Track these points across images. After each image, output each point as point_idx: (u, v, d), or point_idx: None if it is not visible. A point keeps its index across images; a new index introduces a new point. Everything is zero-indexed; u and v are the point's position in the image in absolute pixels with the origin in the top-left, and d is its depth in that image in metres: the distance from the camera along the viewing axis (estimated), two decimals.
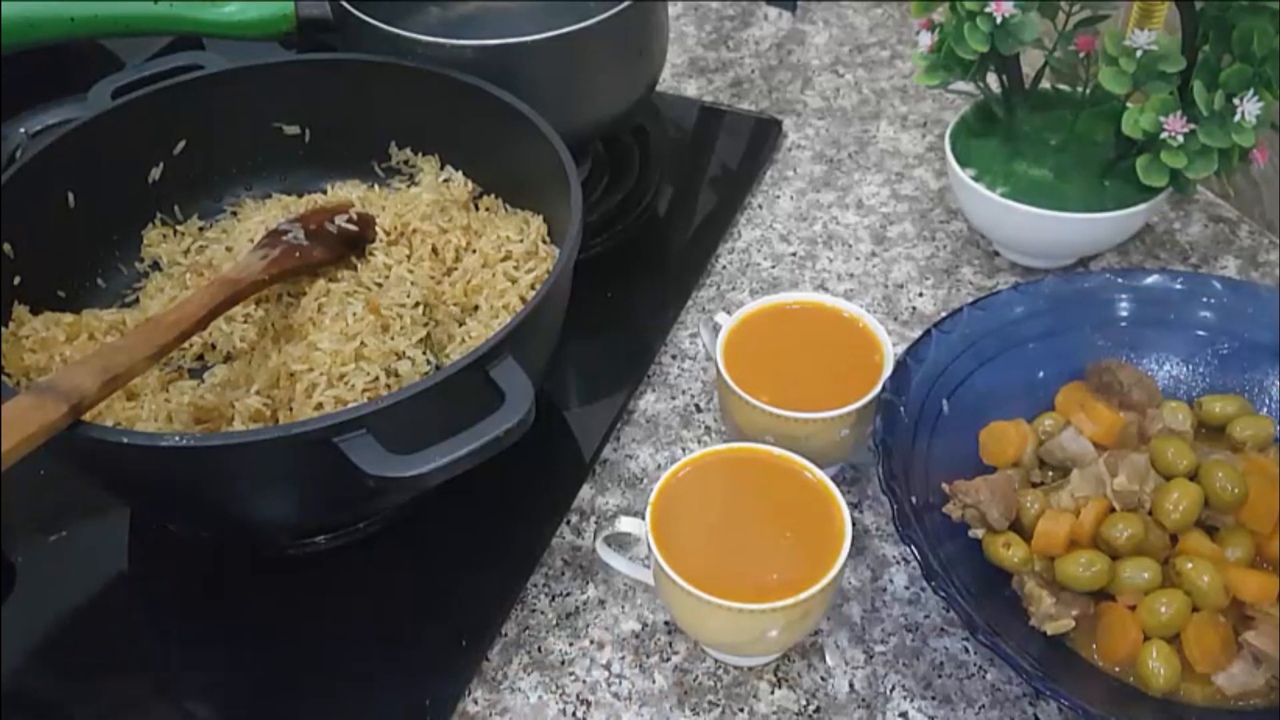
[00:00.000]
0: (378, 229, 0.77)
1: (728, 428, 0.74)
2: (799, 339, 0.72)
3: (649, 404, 0.79)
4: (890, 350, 0.71)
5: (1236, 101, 0.72)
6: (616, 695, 0.64)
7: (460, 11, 0.95)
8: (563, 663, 0.65)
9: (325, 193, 0.82)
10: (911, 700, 0.63)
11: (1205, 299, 0.73)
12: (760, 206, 0.94)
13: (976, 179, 0.83)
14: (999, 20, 0.75)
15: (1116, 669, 0.61)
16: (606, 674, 0.65)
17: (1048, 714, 0.63)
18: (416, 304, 0.71)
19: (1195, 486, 0.63)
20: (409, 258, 0.76)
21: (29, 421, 0.54)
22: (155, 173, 0.79)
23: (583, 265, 0.68)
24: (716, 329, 0.73)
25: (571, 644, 0.66)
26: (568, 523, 0.72)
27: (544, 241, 0.76)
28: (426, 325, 0.71)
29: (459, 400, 0.58)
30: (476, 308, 0.74)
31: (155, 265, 0.79)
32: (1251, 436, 0.68)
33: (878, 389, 0.68)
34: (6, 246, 0.70)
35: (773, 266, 0.88)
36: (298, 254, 0.73)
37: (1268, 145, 0.75)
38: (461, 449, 0.55)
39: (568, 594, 0.69)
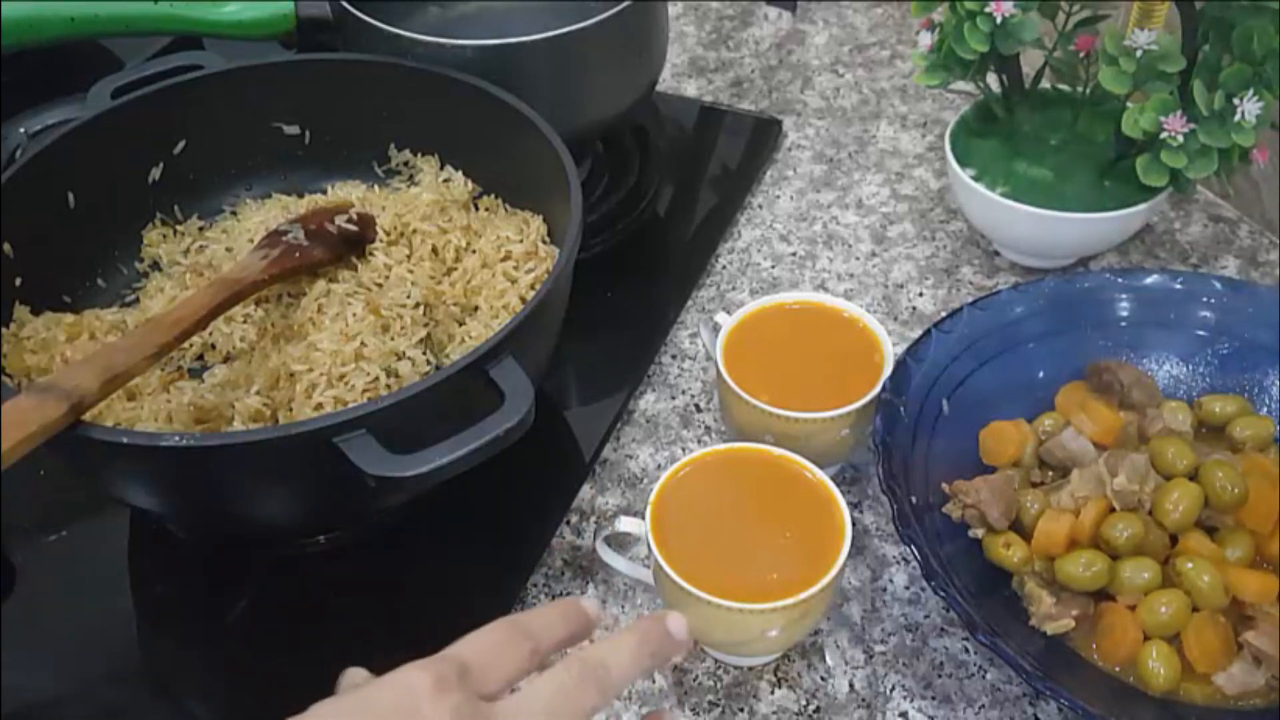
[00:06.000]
0: (378, 229, 0.77)
1: (728, 428, 0.74)
2: (799, 339, 0.72)
3: (649, 404, 0.79)
4: (890, 350, 0.71)
5: (1236, 101, 0.72)
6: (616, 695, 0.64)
7: (460, 11, 0.95)
8: None
9: (325, 193, 0.82)
10: (911, 700, 0.63)
11: (1205, 299, 0.73)
12: (760, 206, 0.94)
13: (976, 179, 0.83)
14: (999, 20, 0.75)
15: (1116, 669, 0.61)
16: None
17: (1048, 714, 0.63)
18: (416, 304, 0.71)
19: (1195, 486, 0.63)
20: (409, 258, 0.76)
21: (29, 421, 0.54)
22: (155, 173, 0.79)
23: (583, 265, 0.68)
24: (716, 329, 0.73)
25: None
26: (568, 523, 0.72)
27: (544, 241, 0.76)
28: (426, 325, 0.71)
29: (459, 400, 0.58)
30: (476, 308, 0.74)
31: (155, 265, 0.79)
32: (1251, 436, 0.68)
33: (878, 389, 0.68)
34: (6, 246, 0.70)
35: (773, 266, 0.88)
36: (298, 254, 0.73)
37: (1268, 145, 0.75)
38: (461, 449, 0.55)
39: (568, 594, 0.68)
